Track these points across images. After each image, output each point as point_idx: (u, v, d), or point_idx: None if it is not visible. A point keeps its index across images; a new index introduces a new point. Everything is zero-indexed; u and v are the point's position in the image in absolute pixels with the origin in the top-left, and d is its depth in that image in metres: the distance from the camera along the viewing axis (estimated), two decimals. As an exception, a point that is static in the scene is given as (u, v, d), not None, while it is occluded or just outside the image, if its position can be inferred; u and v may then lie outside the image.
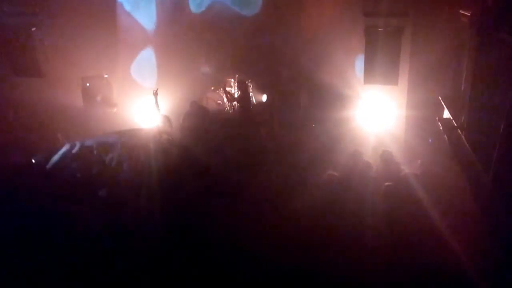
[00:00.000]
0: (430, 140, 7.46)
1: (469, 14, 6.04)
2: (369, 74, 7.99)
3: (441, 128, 6.55)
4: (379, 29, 7.71)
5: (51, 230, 4.89)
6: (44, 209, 5.23)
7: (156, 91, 7.44)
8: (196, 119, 8.64)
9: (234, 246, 4.63)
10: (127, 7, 10.13)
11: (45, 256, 4.53)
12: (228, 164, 6.40)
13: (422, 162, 6.09)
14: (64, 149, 7.10)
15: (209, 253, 4.54)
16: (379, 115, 8.51)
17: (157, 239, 4.77)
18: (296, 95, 9.75)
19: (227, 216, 5.14)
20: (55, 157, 6.92)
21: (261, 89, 10.53)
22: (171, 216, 5.14)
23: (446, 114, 6.81)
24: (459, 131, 6.05)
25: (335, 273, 4.21)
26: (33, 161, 7.03)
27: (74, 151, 7.06)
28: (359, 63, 8.11)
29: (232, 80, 10.47)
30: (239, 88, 9.80)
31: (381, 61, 7.75)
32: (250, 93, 10.14)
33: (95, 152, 7.04)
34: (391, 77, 7.83)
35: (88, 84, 9.87)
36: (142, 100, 9.79)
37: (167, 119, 7.42)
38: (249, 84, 10.27)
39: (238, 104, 9.71)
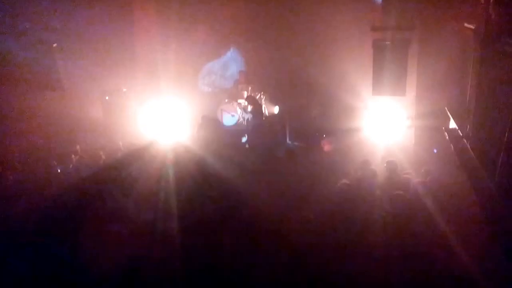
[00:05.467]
0: (435, 150, 7.59)
1: (473, 27, 6.18)
2: (378, 85, 8.12)
3: (447, 137, 6.66)
4: (387, 42, 7.88)
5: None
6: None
7: None
8: (209, 131, 8.95)
9: (245, 252, 4.70)
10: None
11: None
12: (241, 175, 6.50)
13: (427, 170, 6.18)
14: None
15: (220, 259, 4.62)
16: (387, 125, 8.68)
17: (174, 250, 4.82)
18: (307, 106, 10.01)
19: (237, 223, 5.23)
20: None
21: (274, 101, 10.83)
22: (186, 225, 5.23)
23: (452, 124, 6.93)
24: (465, 140, 6.18)
25: (345, 281, 4.27)
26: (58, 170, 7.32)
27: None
28: (368, 75, 8.30)
29: (246, 92, 10.77)
30: (249, 101, 10.10)
31: (389, 73, 7.88)
32: (263, 105, 10.43)
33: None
34: (399, 89, 7.96)
35: (107, 98, 10.18)
36: (160, 113, 10.09)
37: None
38: (262, 96, 10.57)
39: (251, 116, 10.00)
